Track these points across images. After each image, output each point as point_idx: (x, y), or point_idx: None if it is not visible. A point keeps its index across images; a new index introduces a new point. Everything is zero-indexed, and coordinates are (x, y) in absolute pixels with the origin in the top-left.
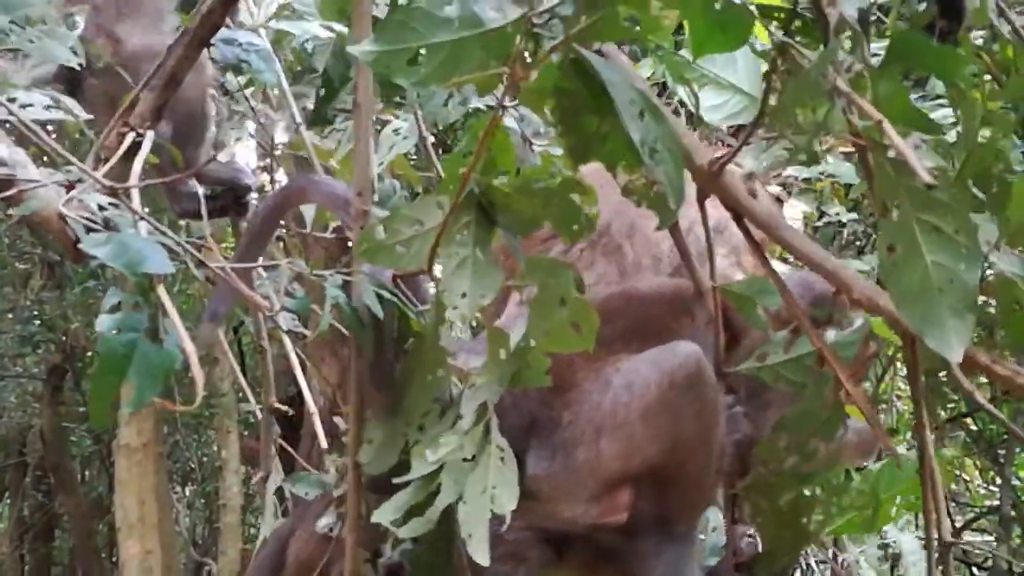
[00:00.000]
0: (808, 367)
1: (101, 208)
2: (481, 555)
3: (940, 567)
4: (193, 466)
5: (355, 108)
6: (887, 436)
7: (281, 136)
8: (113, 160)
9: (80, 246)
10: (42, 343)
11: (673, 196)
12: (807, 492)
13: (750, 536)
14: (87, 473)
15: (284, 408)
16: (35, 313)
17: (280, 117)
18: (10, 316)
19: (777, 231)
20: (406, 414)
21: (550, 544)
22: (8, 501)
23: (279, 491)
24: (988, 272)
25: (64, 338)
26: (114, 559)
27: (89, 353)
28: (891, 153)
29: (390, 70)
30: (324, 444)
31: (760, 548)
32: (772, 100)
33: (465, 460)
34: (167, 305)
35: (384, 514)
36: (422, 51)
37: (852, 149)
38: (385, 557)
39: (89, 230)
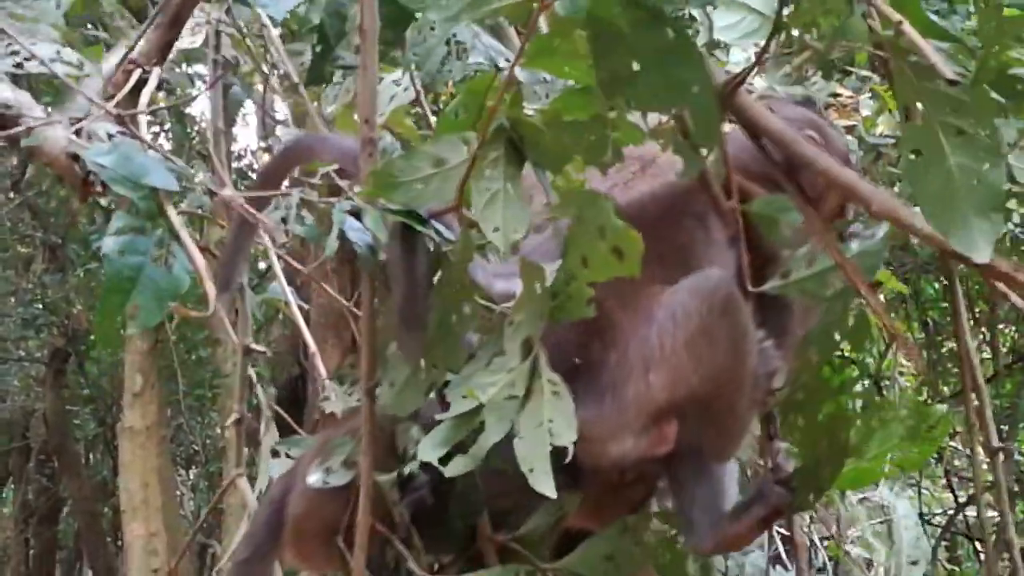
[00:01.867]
0: (831, 280)
1: (110, 136)
2: (546, 487)
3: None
4: (197, 448)
5: (360, 34)
6: (904, 336)
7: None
8: (120, 95)
9: (84, 158)
10: (45, 326)
11: (708, 140)
12: (845, 406)
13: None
14: (91, 456)
15: (260, 349)
16: (37, 296)
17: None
18: (12, 299)
19: (792, 145)
20: (430, 354)
21: (567, 473)
22: (12, 486)
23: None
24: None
25: (67, 321)
26: (119, 542)
27: (92, 336)
28: (912, 58)
29: (424, 3)
30: (327, 381)
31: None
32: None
33: (511, 397)
34: (178, 227)
35: (426, 452)
36: None
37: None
38: (409, 494)
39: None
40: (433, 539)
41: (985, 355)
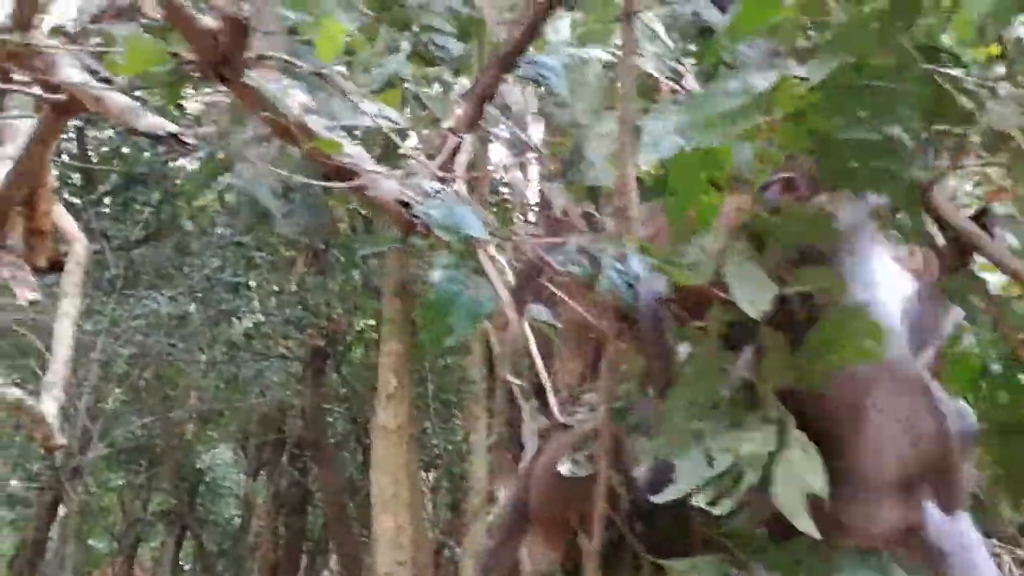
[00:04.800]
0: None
1: (434, 191)
2: (808, 527)
3: None
4: (439, 451)
5: (620, 118)
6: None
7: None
8: (441, 157)
9: (415, 213)
10: (305, 327)
11: (913, 213)
12: None
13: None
14: (341, 453)
15: (518, 382)
16: (298, 299)
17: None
18: (275, 300)
19: (977, 240)
20: (688, 404)
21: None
22: (265, 477)
23: None
24: None
25: (327, 323)
26: (363, 535)
27: (349, 338)
28: None
29: (693, 129)
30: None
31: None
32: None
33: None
34: (486, 265)
35: (701, 499)
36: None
37: None
38: (633, 492)
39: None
40: (645, 528)
41: None
